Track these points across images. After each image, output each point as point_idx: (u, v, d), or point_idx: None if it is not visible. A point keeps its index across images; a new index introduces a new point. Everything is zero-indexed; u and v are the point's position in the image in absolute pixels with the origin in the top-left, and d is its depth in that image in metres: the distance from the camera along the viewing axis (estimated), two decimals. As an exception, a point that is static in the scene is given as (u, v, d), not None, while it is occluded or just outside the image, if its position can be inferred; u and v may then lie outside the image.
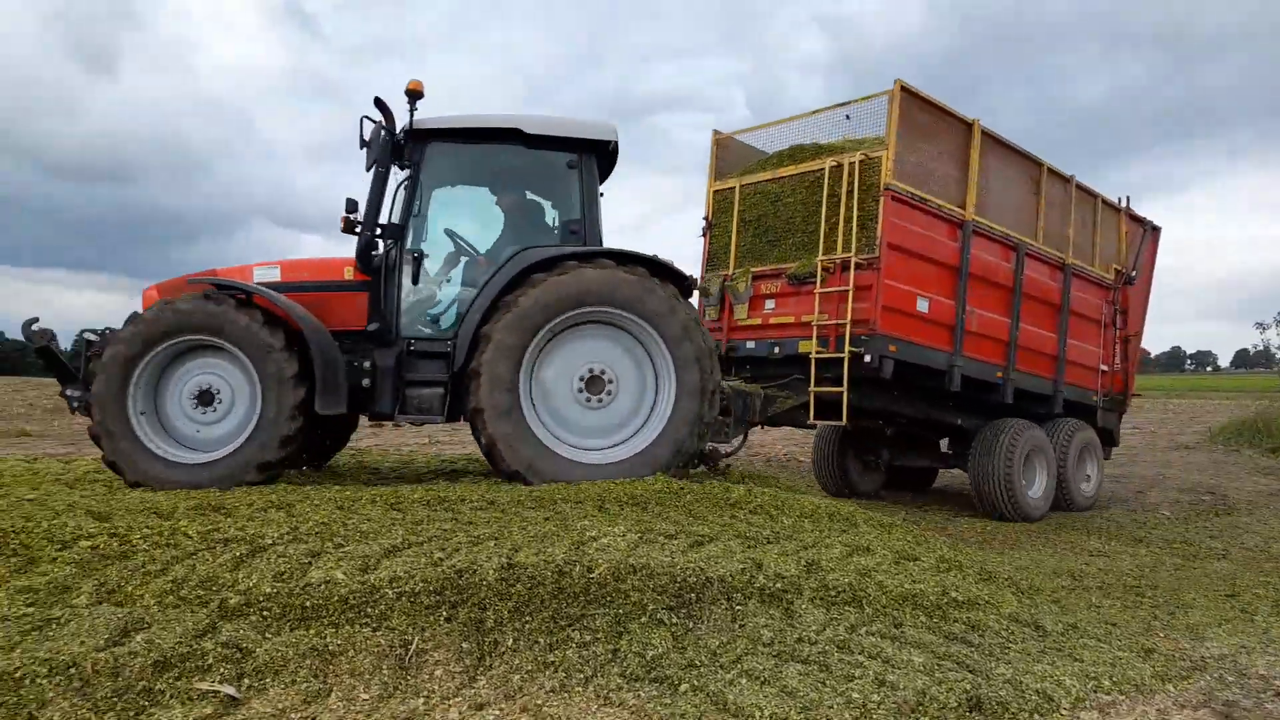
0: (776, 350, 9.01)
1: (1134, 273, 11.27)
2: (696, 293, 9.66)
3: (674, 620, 3.93)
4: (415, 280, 6.73)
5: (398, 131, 6.74)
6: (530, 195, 7.39)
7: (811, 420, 8.64)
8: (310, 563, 3.95)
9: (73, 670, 3.06)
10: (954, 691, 3.52)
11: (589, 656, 3.62)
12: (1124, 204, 11.32)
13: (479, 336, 6.37)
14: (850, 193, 8.38)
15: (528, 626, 3.73)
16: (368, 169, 6.71)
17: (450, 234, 7.18)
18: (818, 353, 8.43)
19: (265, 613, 3.59)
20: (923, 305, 8.54)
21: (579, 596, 3.91)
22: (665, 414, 6.58)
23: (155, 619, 3.42)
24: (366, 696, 3.27)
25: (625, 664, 3.59)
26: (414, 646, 3.56)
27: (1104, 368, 11.03)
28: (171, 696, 3.09)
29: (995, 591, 4.95)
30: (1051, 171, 10.00)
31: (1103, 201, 10.89)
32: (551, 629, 3.74)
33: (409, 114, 6.71)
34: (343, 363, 6.39)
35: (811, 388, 8.51)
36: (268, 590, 3.67)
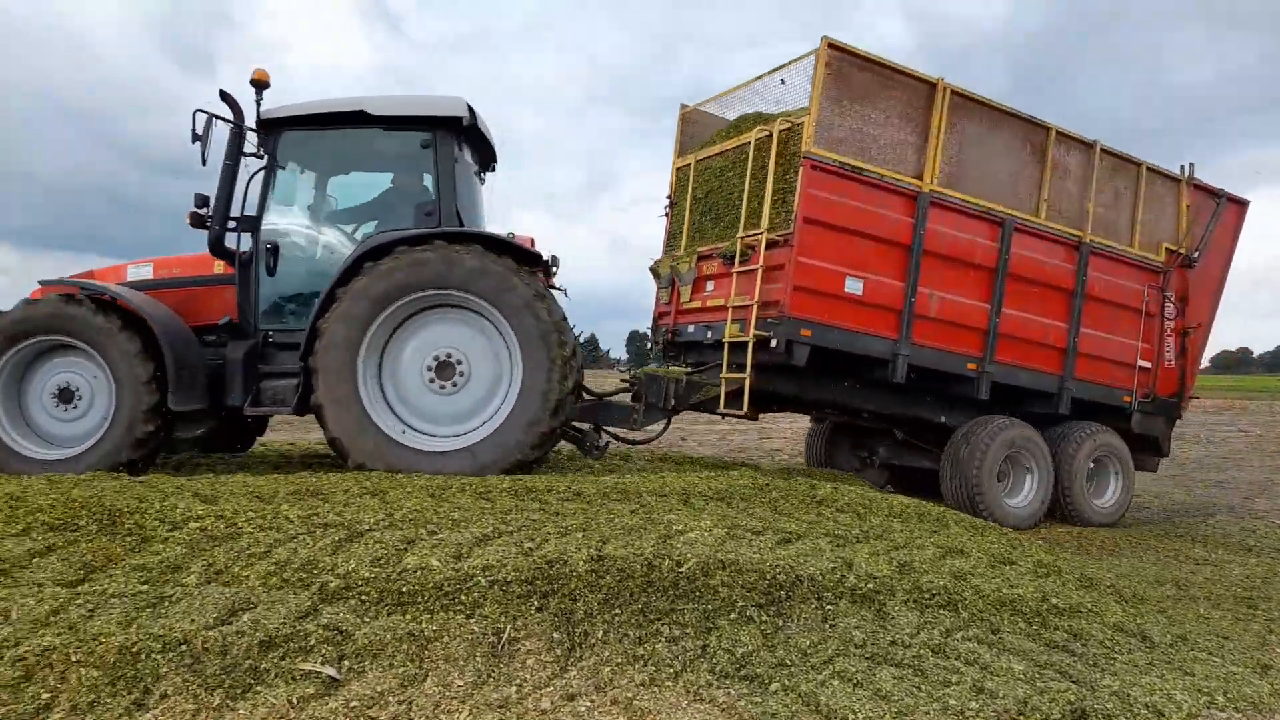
0: (709, 335, 8.44)
1: (1196, 253, 9.41)
2: (654, 277, 9.61)
3: (763, 618, 3.85)
4: (271, 272, 6.64)
5: (246, 123, 6.65)
6: (387, 179, 7.22)
7: (722, 410, 8.01)
8: (405, 549, 4.01)
9: (184, 647, 3.15)
10: (1057, 702, 3.36)
11: (678, 651, 3.58)
12: (1186, 173, 9.52)
13: (315, 329, 6.23)
14: (777, 164, 7.71)
15: (617, 619, 3.71)
16: (203, 163, 6.42)
17: (307, 222, 7.03)
18: (732, 337, 7.80)
19: (364, 597, 3.65)
20: (854, 286, 7.65)
21: (668, 590, 3.87)
22: (515, 394, 6.34)
23: (260, 600, 3.51)
24: (461, 683, 3.29)
25: (715, 660, 3.54)
26: (506, 635, 3.57)
27: (1144, 364, 9.33)
28: (276, 676, 3.16)
29: (1097, 599, 4.72)
30: (1064, 136, 8.63)
31: (1150, 170, 9.21)
32: (641, 622, 3.71)
33: (256, 105, 6.62)
34: (202, 358, 6.39)
35: (724, 374, 7.81)
36: (366, 575, 3.73)
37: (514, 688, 3.31)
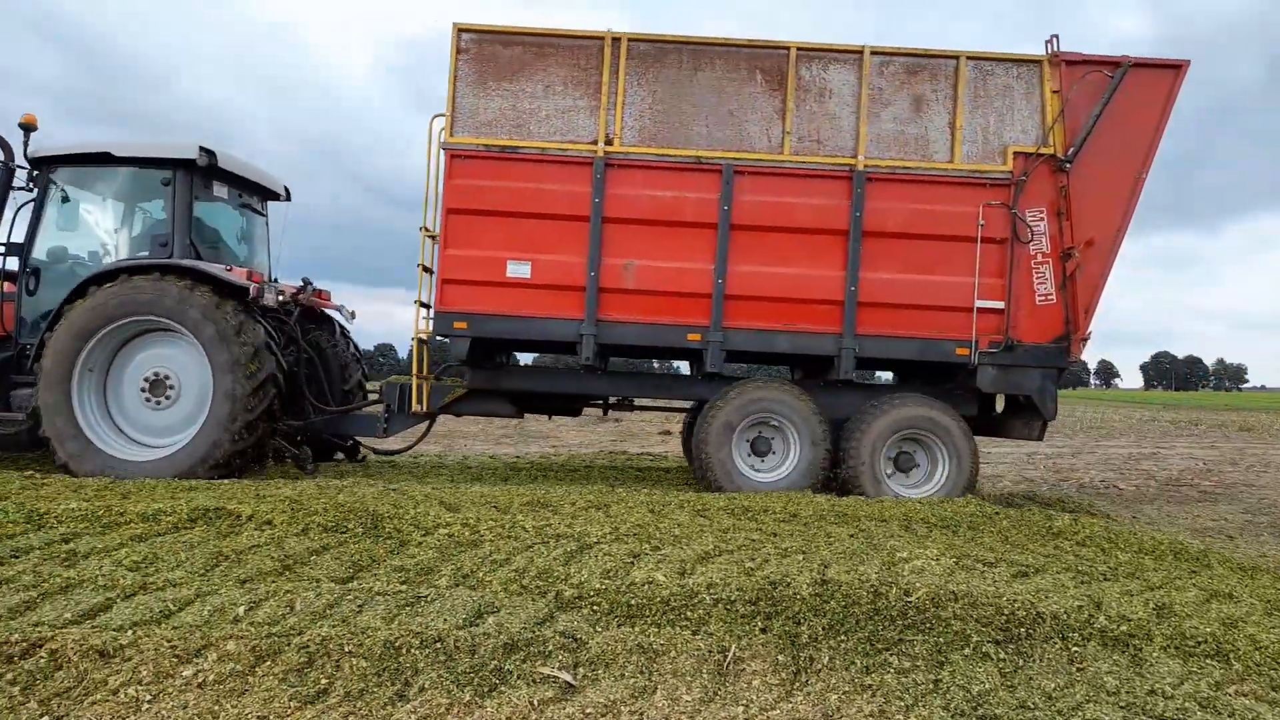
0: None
1: (1073, 150, 7.12)
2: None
3: (1001, 655, 3.53)
4: (32, 291, 7.41)
5: (16, 161, 7.44)
6: (137, 211, 7.73)
7: (416, 408, 7.61)
8: (632, 563, 4.04)
9: (439, 644, 3.31)
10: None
11: (909, 684, 3.34)
12: (1051, 48, 7.27)
13: (42, 341, 6.91)
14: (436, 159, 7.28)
15: (843, 645, 3.53)
16: None
17: (66, 249, 7.61)
18: (418, 335, 7.43)
19: (595, 607, 3.70)
20: (521, 270, 7.08)
21: (896, 620, 3.65)
22: (209, 413, 6.83)
23: (503, 604, 3.64)
24: (689, 698, 3.24)
25: (949, 697, 3.27)
26: (731, 654, 3.49)
27: (989, 305, 7.20)
28: (518, 677, 3.25)
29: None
30: (813, 51, 7.19)
31: (976, 61, 7.25)
32: (868, 650, 3.51)
33: (23, 145, 7.37)
34: None
35: (414, 375, 7.54)
36: (597, 586, 3.78)
37: (740, 708, 3.21)
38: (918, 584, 3.81)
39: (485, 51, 7.14)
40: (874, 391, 7.67)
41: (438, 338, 7.35)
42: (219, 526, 4.37)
